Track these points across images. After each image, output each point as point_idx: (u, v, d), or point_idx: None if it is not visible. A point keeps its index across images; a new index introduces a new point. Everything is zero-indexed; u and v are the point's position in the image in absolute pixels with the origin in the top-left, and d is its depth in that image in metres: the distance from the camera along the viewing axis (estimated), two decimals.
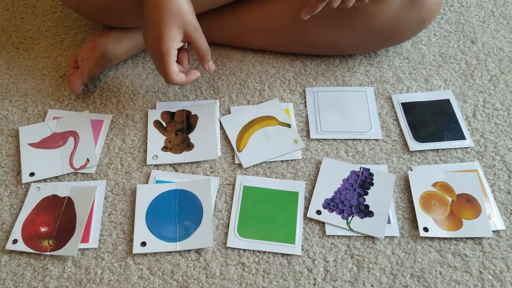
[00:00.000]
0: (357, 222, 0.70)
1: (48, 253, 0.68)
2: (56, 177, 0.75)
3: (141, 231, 0.70)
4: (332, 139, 0.80)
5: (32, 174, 0.75)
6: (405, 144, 0.79)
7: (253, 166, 0.77)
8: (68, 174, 0.76)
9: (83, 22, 0.98)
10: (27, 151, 0.78)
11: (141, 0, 0.70)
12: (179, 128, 0.81)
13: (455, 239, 0.69)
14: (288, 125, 0.81)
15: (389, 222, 0.71)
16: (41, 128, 0.80)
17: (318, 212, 0.72)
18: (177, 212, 0.71)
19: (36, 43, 0.94)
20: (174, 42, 0.68)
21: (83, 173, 0.76)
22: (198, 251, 0.68)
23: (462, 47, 0.92)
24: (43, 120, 0.82)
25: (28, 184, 0.75)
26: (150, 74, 0.89)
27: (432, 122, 0.81)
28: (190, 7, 0.68)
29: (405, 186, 0.74)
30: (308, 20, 0.69)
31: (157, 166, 0.77)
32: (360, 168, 0.76)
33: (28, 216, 0.71)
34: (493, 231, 0.69)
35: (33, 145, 0.78)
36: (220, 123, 0.82)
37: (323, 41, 0.85)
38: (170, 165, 0.77)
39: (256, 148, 0.78)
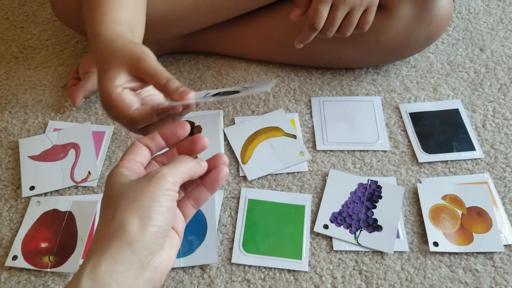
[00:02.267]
0: (365, 236, 0.69)
1: (48, 269, 0.66)
2: (56, 190, 0.74)
3: None
4: (339, 151, 0.78)
5: (32, 188, 0.74)
6: (414, 155, 0.77)
7: (258, 178, 0.75)
8: (69, 188, 0.74)
9: None
10: (27, 164, 0.76)
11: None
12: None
13: (466, 254, 0.67)
14: (294, 136, 0.79)
15: (398, 236, 0.69)
16: (42, 140, 0.79)
17: (325, 227, 0.70)
18: None
19: (37, 52, 0.93)
20: (115, 81, 0.51)
21: (84, 186, 0.74)
22: (202, 267, 0.66)
23: (471, 55, 0.91)
24: (44, 132, 0.80)
25: (28, 198, 0.73)
26: None
27: (441, 132, 0.79)
28: (122, 38, 0.54)
29: (414, 199, 0.73)
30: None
31: None
32: (368, 181, 0.74)
33: (28, 232, 0.69)
34: (505, 245, 0.67)
35: (33, 157, 0.77)
36: (224, 134, 0.80)
37: (329, 56, 0.84)
38: None
39: (261, 160, 0.77)
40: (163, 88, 0.49)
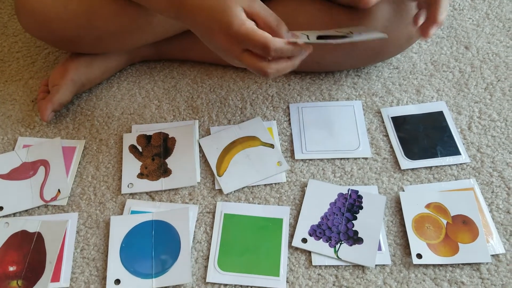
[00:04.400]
0: (345, 250, 0.66)
1: None
2: (26, 210, 0.71)
3: (115, 267, 0.65)
4: (318, 159, 0.75)
5: (0, 209, 0.71)
6: (396, 162, 0.74)
7: (234, 191, 0.72)
8: (38, 207, 0.71)
9: None
10: None
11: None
12: (156, 153, 0.76)
13: (451, 265, 0.64)
14: (272, 146, 0.76)
15: (379, 249, 0.66)
16: (11, 158, 0.76)
17: (304, 240, 0.67)
18: (154, 245, 0.67)
19: (7, 65, 0.90)
20: (242, 14, 0.56)
21: (54, 205, 0.72)
22: (176, 287, 0.64)
23: (456, 53, 0.87)
24: (13, 149, 0.78)
25: None
26: (125, 94, 0.84)
27: (424, 137, 0.76)
28: None
29: (397, 208, 0.69)
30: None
31: (132, 195, 0.72)
32: (348, 190, 0.71)
33: None
34: (492, 255, 0.64)
35: (2, 176, 0.74)
36: (200, 146, 0.77)
37: (307, 61, 0.80)
38: (147, 193, 0.72)
39: (238, 172, 0.74)
40: (274, 29, 0.57)
